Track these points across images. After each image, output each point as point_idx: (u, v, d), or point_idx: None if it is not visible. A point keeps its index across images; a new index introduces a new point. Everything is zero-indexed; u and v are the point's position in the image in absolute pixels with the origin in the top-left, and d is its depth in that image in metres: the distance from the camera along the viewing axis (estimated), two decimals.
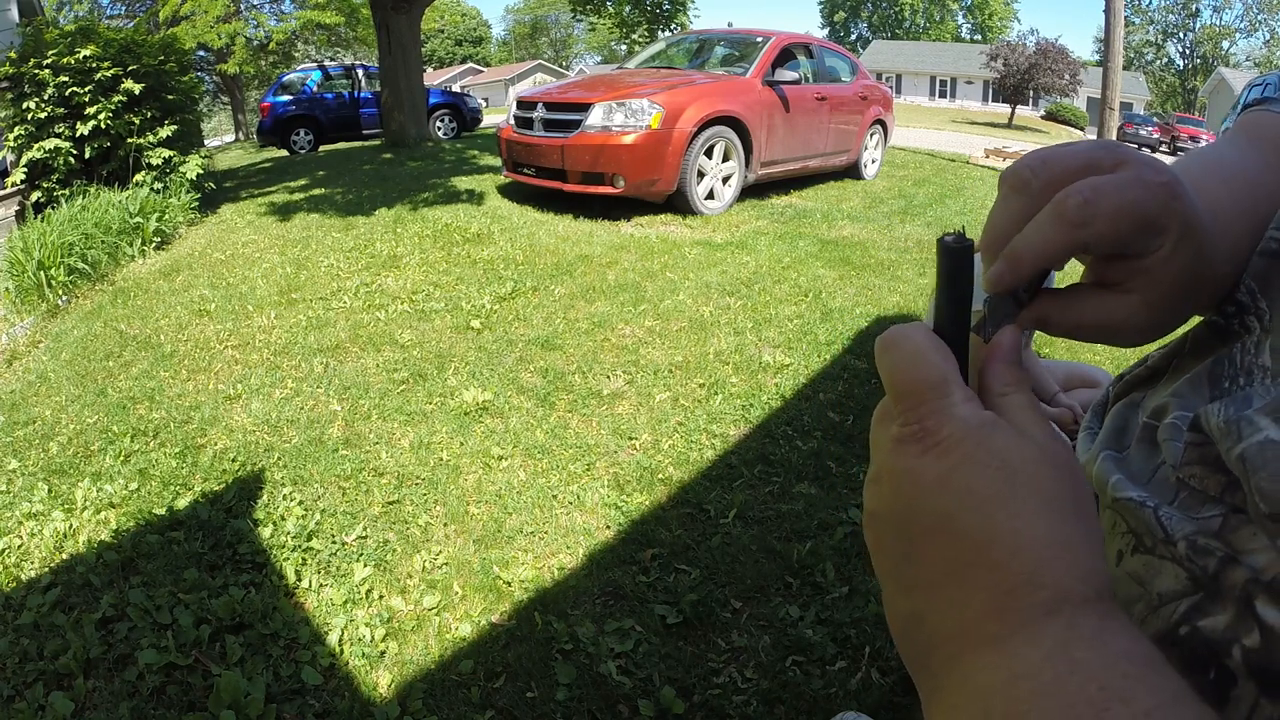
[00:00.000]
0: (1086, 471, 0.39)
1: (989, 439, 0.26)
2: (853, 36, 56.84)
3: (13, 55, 5.27)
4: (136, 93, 5.35)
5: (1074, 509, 0.25)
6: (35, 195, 5.33)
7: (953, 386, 0.27)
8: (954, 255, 0.30)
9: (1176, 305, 0.31)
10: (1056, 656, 0.22)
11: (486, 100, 30.31)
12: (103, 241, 4.26)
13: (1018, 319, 0.32)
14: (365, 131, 12.50)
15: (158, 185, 5.47)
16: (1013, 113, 30.38)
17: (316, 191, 6.38)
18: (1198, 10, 47.49)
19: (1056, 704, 0.21)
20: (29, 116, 5.14)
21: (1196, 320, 0.37)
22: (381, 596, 1.66)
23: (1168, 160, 0.34)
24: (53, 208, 4.78)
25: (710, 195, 5.24)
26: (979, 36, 51.83)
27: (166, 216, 4.96)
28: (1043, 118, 35.30)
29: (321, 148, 12.03)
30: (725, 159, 5.23)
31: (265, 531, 1.86)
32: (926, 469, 0.26)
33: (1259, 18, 44.93)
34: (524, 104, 5.41)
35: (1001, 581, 0.24)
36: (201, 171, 5.89)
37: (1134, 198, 0.29)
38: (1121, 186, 0.29)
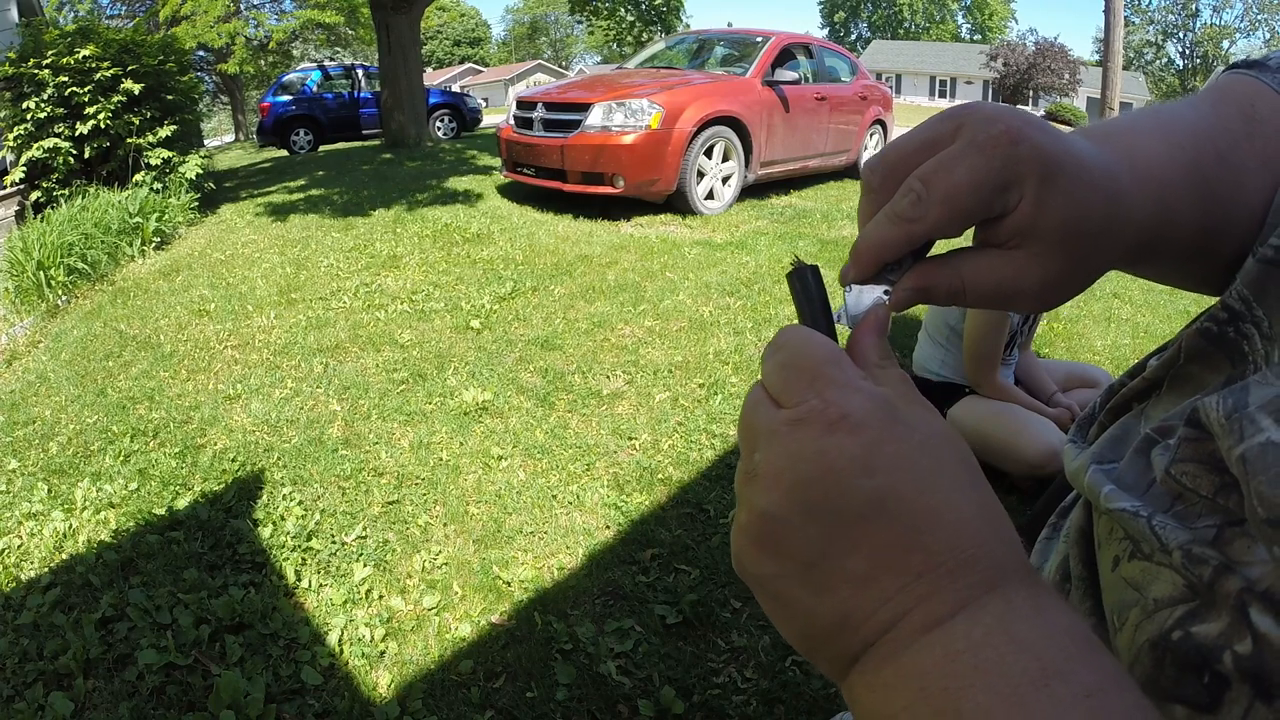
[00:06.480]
0: (1077, 482, 0.38)
1: (898, 412, 0.25)
2: (853, 36, 56.89)
3: (12, 55, 5.28)
4: (136, 93, 5.35)
5: (983, 480, 0.25)
6: (35, 195, 5.33)
7: (847, 364, 0.27)
8: (794, 281, 0.31)
9: (1078, 256, 0.29)
10: (996, 632, 0.22)
11: (486, 100, 30.28)
12: (102, 241, 4.26)
13: (893, 295, 0.31)
14: (365, 131, 12.50)
15: (157, 185, 5.47)
16: None
17: (316, 192, 6.38)
18: (1198, 10, 47.55)
19: (998, 680, 0.21)
20: (29, 116, 5.15)
21: (1187, 326, 0.35)
22: (381, 596, 1.66)
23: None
24: (52, 207, 4.79)
25: (710, 195, 5.24)
26: (978, 36, 51.88)
27: (166, 216, 4.96)
28: (1042, 118, 35.34)
29: (321, 148, 12.03)
30: (725, 159, 5.23)
31: (265, 531, 1.86)
32: (841, 449, 0.24)
33: (1259, 18, 45.00)
34: (524, 104, 5.41)
35: (944, 563, 0.23)
36: (201, 171, 5.90)
37: (966, 171, 0.28)
38: (953, 164, 0.28)
